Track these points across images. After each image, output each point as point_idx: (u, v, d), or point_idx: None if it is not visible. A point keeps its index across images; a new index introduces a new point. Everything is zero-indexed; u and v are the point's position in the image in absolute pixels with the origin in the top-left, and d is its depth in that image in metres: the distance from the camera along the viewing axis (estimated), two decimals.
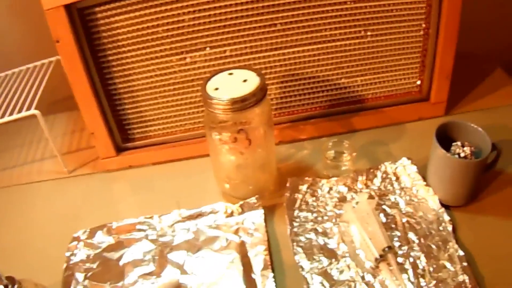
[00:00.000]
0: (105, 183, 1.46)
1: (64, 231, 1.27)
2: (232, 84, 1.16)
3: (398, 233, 1.13)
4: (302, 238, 1.16)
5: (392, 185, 1.26)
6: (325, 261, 1.09)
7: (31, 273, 1.09)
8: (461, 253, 1.06)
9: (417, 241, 1.11)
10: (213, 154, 1.28)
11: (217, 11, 1.27)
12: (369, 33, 1.35)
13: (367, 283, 1.04)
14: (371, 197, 1.23)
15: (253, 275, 1.10)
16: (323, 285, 1.05)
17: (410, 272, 1.04)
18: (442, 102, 1.47)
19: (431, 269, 1.04)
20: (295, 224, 1.19)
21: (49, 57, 1.58)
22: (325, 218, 1.20)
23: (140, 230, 1.24)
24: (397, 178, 1.27)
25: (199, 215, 1.25)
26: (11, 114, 1.40)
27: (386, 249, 1.07)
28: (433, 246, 1.09)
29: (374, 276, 1.05)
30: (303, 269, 1.09)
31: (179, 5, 1.25)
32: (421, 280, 1.03)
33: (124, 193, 1.42)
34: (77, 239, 1.24)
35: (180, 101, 1.42)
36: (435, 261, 1.06)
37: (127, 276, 1.14)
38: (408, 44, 1.39)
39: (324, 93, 1.45)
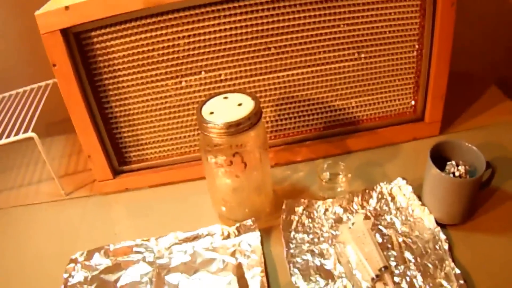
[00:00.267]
0: (102, 206, 1.46)
1: (61, 253, 1.27)
2: (227, 108, 1.17)
3: (395, 253, 1.13)
4: (298, 259, 1.16)
5: (387, 205, 1.26)
6: (322, 282, 1.09)
7: None
8: (458, 271, 1.06)
9: (413, 260, 1.11)
10: (209, 177, 1.28)
11: (212, 36, 1.28)
12: (362, 55, 1.36)
13: None
14: (367, 217, 1.23)
15: None
16: None
17: None
18: (436, 121, 1.47)
19: (428, 287, 1.05)
20: (291, 245, 1.20)
21: (46, 79, 1.59)
22: (322, 239, 1.20)
23: (137, 252, 1.24)
24: (393, 198, 1.27)
25: (196, 237, 1.25)
26: (8, 136, 1.41)
27: (383, 269, 1.07)
28: (430, 265, 1.09)
29: None
30: None
31: (175, 29, 1.26)
32: None
33: (121, 216, 1.42)
34: (75, 261, 1.24)
35: (176, 125, 1.42)
36: (432, 279, 1.06)
37: None
38: (402, 65, 1.40)
39: (319, 115, 1.45)
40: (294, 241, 1.21)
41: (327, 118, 1.46)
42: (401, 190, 1.28)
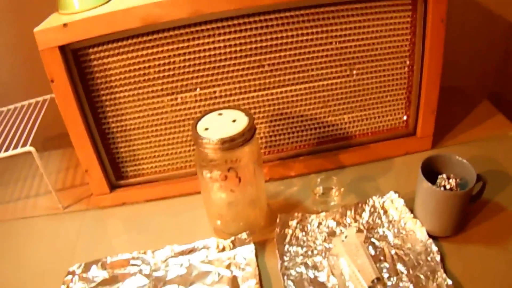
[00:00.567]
0: (99, 219, 1.46)
1: (58, 266, 1.28)
2: (221, 124, 1.18)
3: (387, 265, 1.14)
4: (292, 272, 1.17)
5: (380, 218, 1.27)
6: None
7: None
8: (450, 282, 1.07)
9: (405, 272, 1.12)
10: (204, 191, 1.29)
11: (207, 53, 1.30)
12: (354, 72, 1.38)
13: None
14: (359, 230, 1.24)
15: None
16: None
17: None
18: (428, 136, 1.49)
19: None
20: (285, 258, 1.21)
21: (44, 95, 1.60)
22: (315, 252, 1.21)
23: (134, 265, 1.25)
24: (385, 212, 1.28)
25: (192, 250, 1.26)
26: (6, 150, 1.42)
27: (375, 280, 1.09)
28: (422, 277, 1.10)
29: None
30: None
31: (171, 47, 1.28)
32: None
33: (117, 230, 1.43)
34: (72, 273, 1.25)
35: (171, 140, 1.43)
36: None
37: None
38: (393, 81, 1.42)
39: (312, 131, 1.47)
40: (288, 254, 1.22)
41: (320, 133, 1.48)
42: (393, 203, 1.29)
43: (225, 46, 1.29)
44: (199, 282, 1.18)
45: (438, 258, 1.13)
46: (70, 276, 1.24)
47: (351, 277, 1.12)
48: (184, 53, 1.29)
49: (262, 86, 1.37)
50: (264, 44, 1.30)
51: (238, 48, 1.30)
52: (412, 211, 1.25)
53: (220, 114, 1.22)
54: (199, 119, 1.21)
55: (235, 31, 1.28)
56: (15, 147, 1.41)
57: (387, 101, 1.45)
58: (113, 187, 1.50)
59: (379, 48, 1.36)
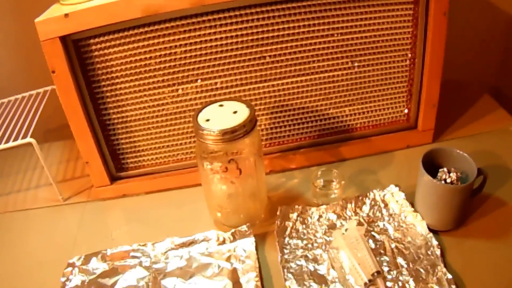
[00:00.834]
0: (99, 211, 1.47)
1: (59, 258, 1.28)
2: (222, 116, 1.18)
3: (387, 258, 1.14)
4: (292, 265, 1.17)
5: (380, 211, 1.27)
6: (315, 287, 1.10)
7: None
8: (450, 276, 1.07)
9: (405, 265, 1.12)
10: (205, 183, 1.29)
11: (208, 44, 1.29)
12: (356, 64, 1.38)
13: None
14: (360, 224, 1.24)
15: None
16: None
17: None
18: (429, 129, 1.49)
19: None
20: (285, 251, 1.21)
21: (45, 86, 1.60)
22: (315, 245, 1.22)
23: (134, 257, 1.25)
24: (386, 205, 1.28)
25: (192, 242, 1.26)
26: (7, 141, 1.42)
27: (375, 274, 1.09)
28: (422, 270, 1.10)
29: None
30: None
31: (172, 38, 1.27)
32: None
33: (118, 221, 1.43)
34: (72, 265, 1.25)
35: (172, 132, 1.43)
36: (424, 284, 1.07)
37: None
38: (395, 74, 1.41)
39: (313, 123, 1.46)
40: (288, 247, 1.22)
41: (321, 126, 1.47)
42: (394, 197, 1.29)
43: (226, 37, 1.29)
44: (199, 274, 1.18)
45: (438, 252, 1.13)
46: (70, 268, 1.24)
47: (351, 270, 1.12)
48: (185, 44, 1.29)
49: (263, 78, 1.37)
50: (265, 35, 1.30)
51: (239, 40, 1.30)
52: (412, 204, 1.26)
53: (221, 105, 1.22)
54: (200, 110, 1.21)
55: (236, 22, 1.27)
56: (16, 139, 1.41)
57: (389, 94, 1.45)
58: (113, 179, 1.50)
59: (381, 40, 1.35)
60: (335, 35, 1.33)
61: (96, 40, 1.27)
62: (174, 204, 1.44)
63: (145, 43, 1.28)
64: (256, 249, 1.23)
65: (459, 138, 1.51)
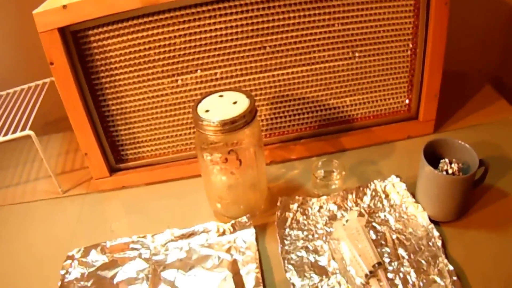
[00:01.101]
0: (98, 203, 1.46)
1: (58, 250, 1.28)
2: (222, 106, 1.17)
3: (388, 250, 1.14)
4: (293, 256, 1.17)
5: (381, 202, 1.27)
6: (316, 278, 1.10)
7: None
8: (451, 267, 1.07)
9: (407, 257, 1.12)
10: (205, 174, 1.29)
11: (208, 35, 1.29)
12: (357, 54, 1.37)
13: None
14: (361, 214, 1.24)
15: None
16: None
17: (400, 287, 1.05)
18: (430, 120, 1.48)
19: (421, 284, 1.05)
20: (286, 242, 1.21)
21: (44, 78, 1.60)
22: (316, 236, 1.21)
23: (133, 249, 1.25)
24: (387, 196, 1.28)
25: (192, 234, 1.26)
26: (5, 134, 1.42)
27: (376, 265, 1.08)
28: (423, 262, 1.10)
29: None
30: (294, 286, 1.09)
31: (171, 28, 1.27)
32: None
33: (117, 213, 1.43)
34: (72, 257, 1.25)
35: (171, 123, 1.43)
36: (425, 276, 1.07)
37: None
38: (396, 64, 1.41)
39: (313, 113, 1.46)
40: (288, 238, 1.22)
41: (322, 116, 1.47)
42: (395, 187, 1.29)
43: (226, 28, 1.28)
44: (199, 266, 1.18)
45: (439, 243, 1.13)
46: (69, 261, 1.24)
47: (352, 261, 1.12)
48: (185, 35, 1.28)
49: (264, 68, 1.36)
50: (265, 25, 1.29)
51: (239, 30, 1.29)
52: (414, 195, 1.25)
53: (221, 96, 1.21)
54: (199, 101, 1.20)
55: (236, 12, 1.26)
56: (14, 131, 1.41)
57: (390, 84, 1.44)
58: (112, 170, 1.50)
59: (382, 30, 1.35)
60: (336, 25, 1.32)
61: (95, 31, 1.27)
62: (174, 195, 1.44)
63: (144, 33, 1.27)
64: (256, 240, 1.23)
65: (460, 129, 1.50)
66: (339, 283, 1.09)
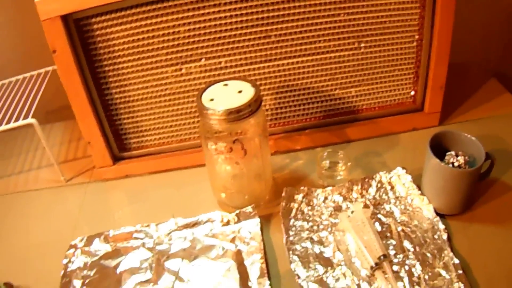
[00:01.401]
0: (101, 192, 1.47)
1: (61, 239, 1.28)
2: (227, 95, 1.17)
3: (394, 242, 1.14)
4: (298, 247, 1.17)
5: (387, 194, 1.27)
6: (321, 269, 1.10)
7: (28, 280, 1.13)
8: (456, 261, 1.07)
9: (412, 249, 1.11)
10: (209, 164, 1.29)
11: (212, 23, 1.28)
12: (362, 45, 1.37)
13: None
14: (366, 206, 1.24)
15: (249, 283, 1.11)
16: None
17: (406, 280, 1.05)
18: (436, 112, 1.48)
19: (427, 277, 1.05)
20: (291, 233, 1.20)
21: (46, 66, 1.59)
22: (321, 227, 1.21)
23: (137, 238, 1.25)
24: (392, 188, 1.28)
25: (196, 223, 1.26)
26: (8, 122, 1.41)
27: (381, 257, 1.08)
28: (428, 254, 1.10)
29: (370, 284, 1.06)
30: (299, 277, 1.09)
31: (175, 16, 1.26)
32: (417, 287, 1.04)
33: (120, 202, 1.43)
34: (75, 246, 1.25)
35: (175, 112, 1.43)
36: (431, 269, 1.07)
37: (124, 284, 1.15)
38: (402, 55, 1.40)
39: (318, 104, 1.46)
40: (293, 229, 1.22)
41: (327, 107, 1.47)
42: (401, 179, 1.28)
43: (231, 16, 1.28)
44: (203, 256, 1.18)
45: (445, 236, 1.13)
46: (72, 250, 1.24)
47: (357, 253, 1.12)
48: (189, 23, 1.28)
49: (269, 58, 1.36)
50: (271, 14, 1.29)
51: (244, 18, 1.29)
52: (419, 187, 1.25)
53: (225, 84, 1.21)
54: (204, 89, 1.20)
55: (241, 1, 1.26)
56: (17, 120, 1.40)
57: (395, 75, 1.44)
58: (116, 159, 1.50)
59: (388, 21, 1.34)
60: (342, 14, 1.31)
61: (98, 19, 1.26)
62: (178, 185, 1.44)
63: (148, 21, 1.27)
64: (261, 230, 1.23)
65: (465, 122, 1.50)
66: (344, 275, 1.08)
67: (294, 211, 1.26)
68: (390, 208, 1.23)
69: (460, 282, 1.03)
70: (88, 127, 1.39)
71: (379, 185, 1.29)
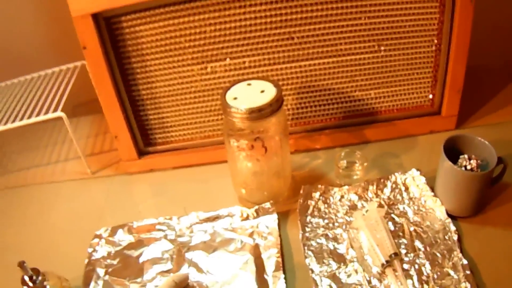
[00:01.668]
0: (126, 185, 1.49)
1: (86, 229, 1.31)
2: (250, 94, 1.20)
3: (405, 241, 1.16)
4: (313, 243, 1.19)
5: (401, 195, 1.29)
6: (334, 265, 1.13)
7: (54, 267, 1.13)
8: (465, 261, 1.08)
9: (423, 249, 1.13)
10: (231, 160, 1.31)
11: (238, 24, 1.31)
12: (382, 48, 1.38)
13: (373, 287, 1.08)
14: (380, 205, 1.26)
15: (265, 276, 1.13)
16: (331, 287, 1.09)
17: (415, 278, 1.08)
18: (453, 115, 1.49)
19: (435, 276, 1.07)
20: (307, 229, 1.23)
21: (75, 61, 1.62)
22: (336, 224, 1.24)
23: (159, 230, 1.28)
24: (406, 189, 1.30)
25: (216, 217, 1.29)
26: (38, 115, 1.44)
27: (393, 255, 1.11)
28: (438, 254, 1.12)
29: (380, 281, 1.09)
30: (313, 271, 1.12)
31: (202, 17, 1.29)
32: (425, 286, 1.06)
33: (144, 195, 1.46)
34: (99, 236, 1.28)
35: (200, 109, 1.45)
36: (440, 268, 1.09)
37: (146, 273, 1.18)
38: (421, 59, 1.42)
39: (338, 105, 1.48)
40: (309, 225, 1.24)
41: (346, 108, 1.48)
42: (415, 181, 1.30)
43: (255, 17, 1.30)
44: (222, 249, 1.21)
45: (455, 237, 1.14)
46: (97, 239, 1.28)
47: (370, 250, 1.14)
48: (215, 23, 1.31)
49: (291, 58, 1.38)
50: (294, 16, 1.31)
51: (268, 20, 1.31)
52: (433, 189, 1.27)
53: (249, 84, 1.24)
54: (228, 88, 1.22)
55: (266, 3, 1.28)
56: (46, 112, 1.43)
57: (414, 78, 1.45)
58: (141, 153, 1.53)
59: (408, 25, 1.36)
60: (363, 18, 1.33)
61: (128, 17, 1.29)
62: (200, 179, 1.46)
63: (176, 21, 1.30)
64: (279, 226, 1.25)
65: (482, 126, 1.50)
66: (356, 271, 1.11)
67: (311, 208, 1.28)
68: (404, 208, 1.25)
69: (467, 282, 1.04)
70: (115, 122, 1.42)
71: (394, 185, 1.31)
